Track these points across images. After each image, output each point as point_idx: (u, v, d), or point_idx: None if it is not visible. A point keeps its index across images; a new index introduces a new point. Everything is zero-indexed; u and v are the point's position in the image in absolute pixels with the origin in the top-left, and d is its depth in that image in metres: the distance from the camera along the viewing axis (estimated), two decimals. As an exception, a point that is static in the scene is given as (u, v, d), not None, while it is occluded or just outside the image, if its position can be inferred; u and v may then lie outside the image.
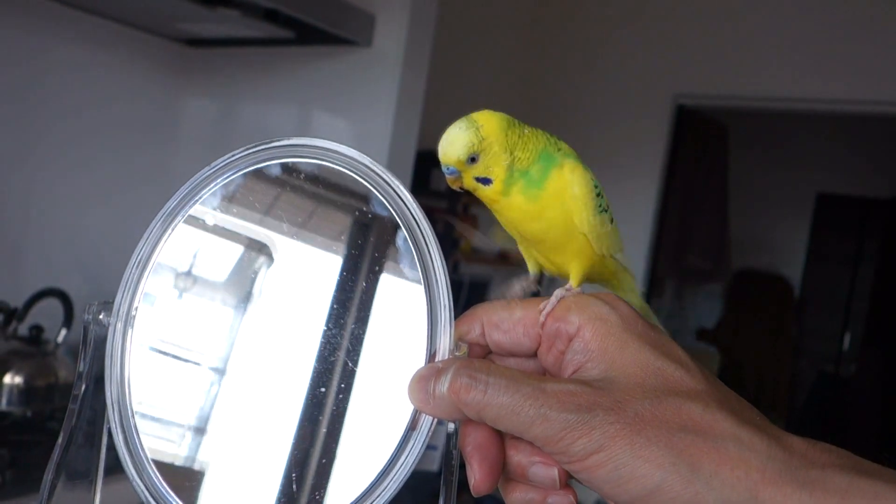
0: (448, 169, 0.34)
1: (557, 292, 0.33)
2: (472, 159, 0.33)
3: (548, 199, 0.34)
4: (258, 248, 0.37)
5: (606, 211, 0.36)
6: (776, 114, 2.80)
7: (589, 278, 0.38)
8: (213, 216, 0.37)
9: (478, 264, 2.06)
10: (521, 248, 0.39)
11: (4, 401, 1.14)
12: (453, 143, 0.33)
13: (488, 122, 0.34)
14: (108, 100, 1.49)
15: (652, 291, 2.46)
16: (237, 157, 0.37)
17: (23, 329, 1.20)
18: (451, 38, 1.80)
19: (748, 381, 3.07)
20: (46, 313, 1.21)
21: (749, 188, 3.36)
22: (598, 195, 0.35)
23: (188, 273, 0.38)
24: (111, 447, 0.36)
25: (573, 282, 0.36)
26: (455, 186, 0.35)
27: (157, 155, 1.58)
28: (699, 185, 2.64)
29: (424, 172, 1.65)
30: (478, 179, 0.34)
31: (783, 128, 3.39)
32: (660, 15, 2.37)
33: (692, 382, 0.29)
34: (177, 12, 1.33)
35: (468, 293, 2.00)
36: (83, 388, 0.36)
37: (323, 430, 0.34)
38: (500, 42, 2.36)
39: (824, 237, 3.54)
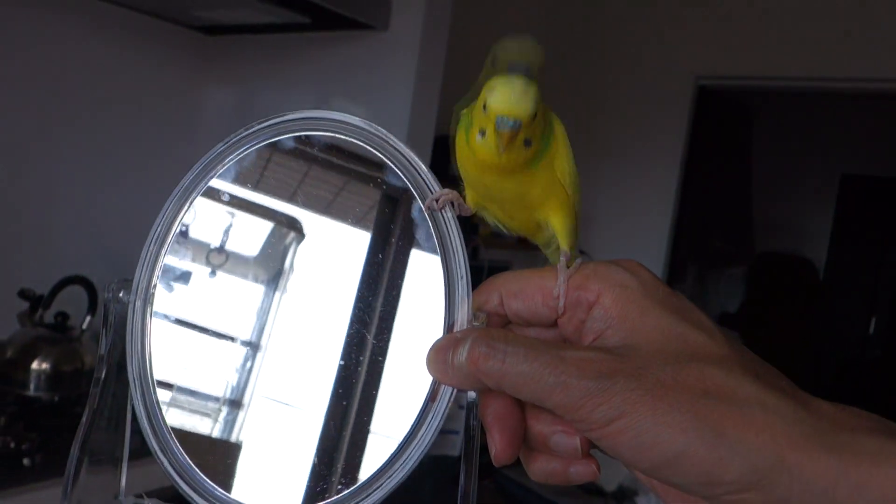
0: (514, 123, 0.31)
1: (564, 271, 0.32)
2: (535, 117, 0.32)
3: (546, 163, 0.33)
4: (274, 222, 0.37)
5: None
6: (799, 93, 2.75)
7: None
8: (227, 191, 0.37)
9: (497, 249, 2.05)
10: (476, 205, 0.36)
11: (32, 386, 1.16)
12: (526, 95, 0.31)
13: (535, 86, 0.31)
14: (128, 88, 1.50)
15: (674, 275, 2.44)
16: (252, 131, 0.37)
17: (48, 316, 1.22)
18: (468, 20, 1.79)
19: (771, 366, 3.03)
20: (71, 300, 1.23)
21: (772, 170, 3.31)
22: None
23: (206, 248, 0.38)
24: (136, 428, 0.36)
25: (564, 246, 0.34)
26: (506, 143, 0.31)
27: (177, 142, 1.60)
28: (721, 167, 2.61)
29: (443, 158, 1.64)
30: (525, 141, 0.32)
31: (806, 108, 3.33)
32: (680, -6, 2.34)
33: (715, 347, 0.29)
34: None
35: (487, 277, 1.99)
36: (105, 368, 0.37)
37: (344, 402, 0.34)
38: (518, 25, 2.34)
39: (849, 219, 3.47)
